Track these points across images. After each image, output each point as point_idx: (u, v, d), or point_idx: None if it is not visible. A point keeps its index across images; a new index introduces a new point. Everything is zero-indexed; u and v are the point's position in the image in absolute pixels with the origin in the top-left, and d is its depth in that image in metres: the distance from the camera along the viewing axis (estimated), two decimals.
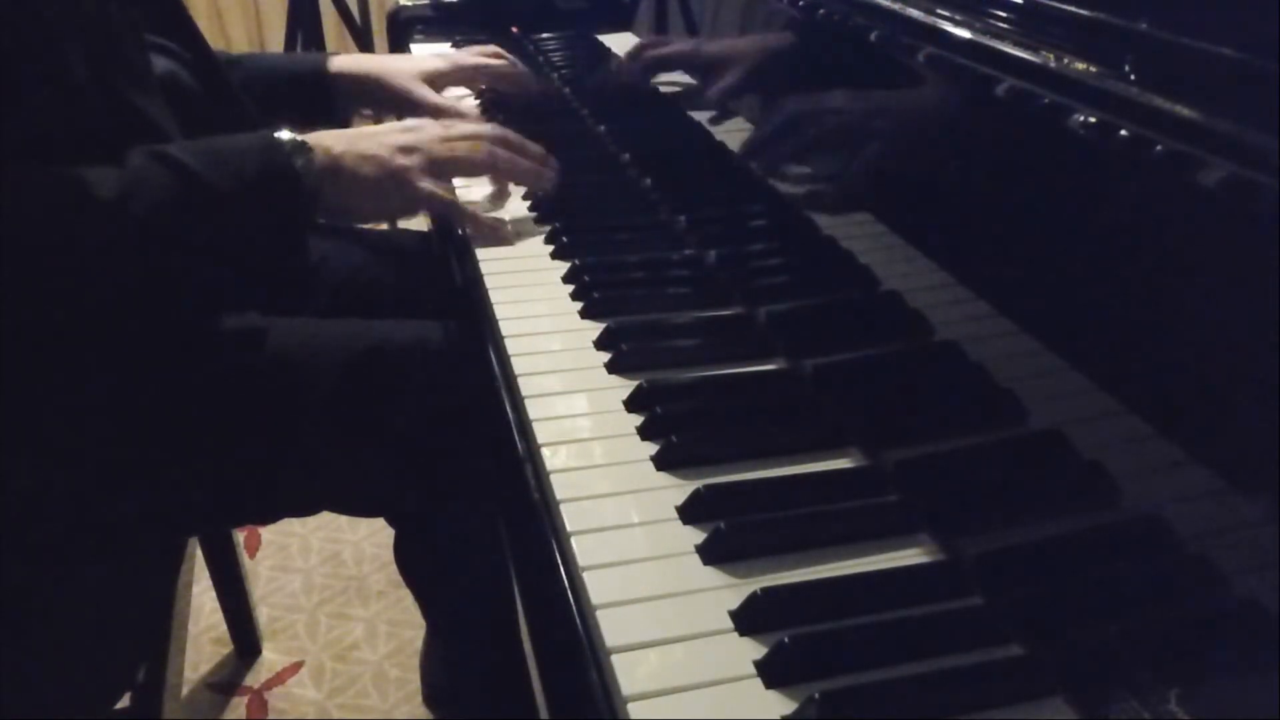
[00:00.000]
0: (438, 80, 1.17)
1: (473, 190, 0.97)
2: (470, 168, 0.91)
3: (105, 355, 0.79)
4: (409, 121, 0.92)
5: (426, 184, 0.85)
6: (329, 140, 0.82)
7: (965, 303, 0.62)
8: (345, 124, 1.18)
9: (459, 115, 1.09)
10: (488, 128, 0.93)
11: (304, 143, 0.78)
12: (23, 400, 0.74)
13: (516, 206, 0.96)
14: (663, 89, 1.19)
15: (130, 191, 0.69)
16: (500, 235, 0.89)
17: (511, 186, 0.97)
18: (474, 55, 1.24)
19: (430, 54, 1.23)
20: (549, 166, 0.94)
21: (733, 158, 0.97)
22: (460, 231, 0.90)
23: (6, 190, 0.66)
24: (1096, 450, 0.51)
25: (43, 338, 0.73)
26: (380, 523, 1.69)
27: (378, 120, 1.21)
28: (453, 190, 0.91)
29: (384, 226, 2.45)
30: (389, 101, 1.14)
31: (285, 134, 0.79)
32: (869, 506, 0.57)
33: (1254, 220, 0.41)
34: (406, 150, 0.85)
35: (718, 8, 1.10)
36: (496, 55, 1.25)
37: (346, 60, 1.15)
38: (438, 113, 1.10)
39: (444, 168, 0.88)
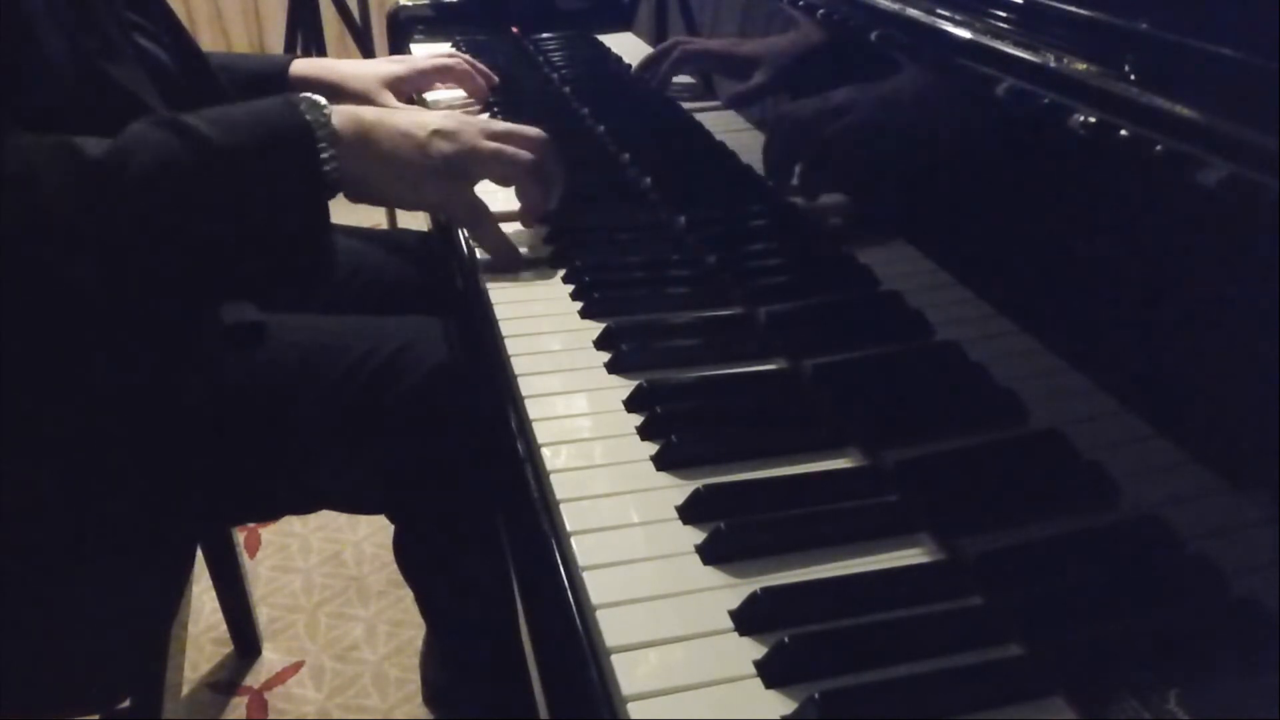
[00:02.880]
0: (396, 86, 1.16)
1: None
2: (510, 170, 0.82)
3: (107, 351, 0.78)
4: (449, 113, 0.84)
5: (459, 182, 0.80)
6: (363, 110, 0.77)
7: (965, 303, 0.62)
8: None
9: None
10: (534, 131, 0.85)
11: (319, 102, 0.74)
12: (23, 400, 0.74)
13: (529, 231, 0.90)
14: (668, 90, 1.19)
15: (126, 152, 0.66)
16: (515, 263, 0.84)
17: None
18: (431, 60, 1.23)
19: (387, 59, 1.23)
20: (558, 192, 0.88)
21: (734, 158, 0.97)
22: (472, 246, 0.85)
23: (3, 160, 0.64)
24: (1096, 450, 0.51)
25: (43, 324, 0.71)
26: (380, 523, 1.69)
27: None
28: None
29: (384, 225, 2.45)
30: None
31: (306, 95, 0.74)
32: (869, 506, 0.57)
33: (1254, 220, 0.41)
34: (446, 135, 0.78)
35: (717, 8, 1.10)
36: (451, 57, 1.24)
37: (307, 64, 1.15)
38: None
39: (482, 165, 0.81)
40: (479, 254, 0.86)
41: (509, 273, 0.83)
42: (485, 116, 1.18)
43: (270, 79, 1.12)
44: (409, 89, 1.18)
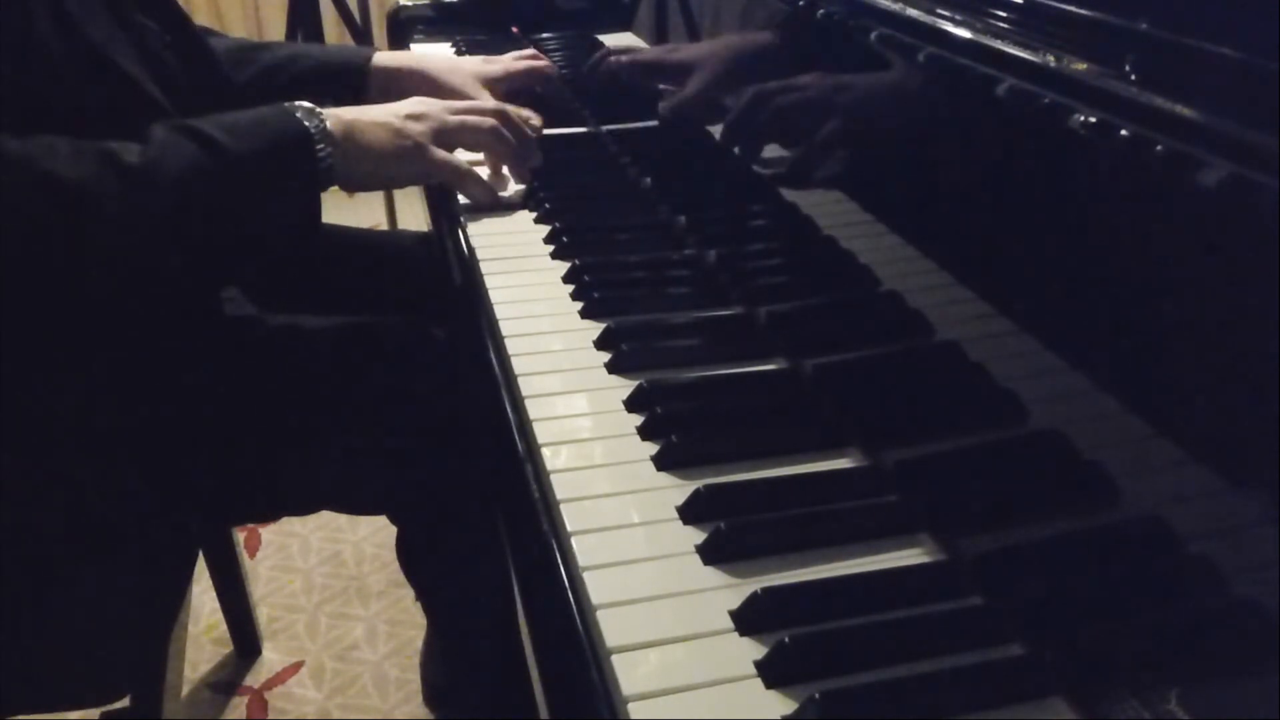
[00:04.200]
0: (491, 86, 1.13)
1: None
2: (476, 135, 0.93)
3: (111, 349, 0.79)
4: (416, 99, 0.94)
5: (436, 150, 0.88)
6: (342, 111, 0.85)
7: (965, 303, 0.62)
8: None
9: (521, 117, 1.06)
10: (490, 102, 0.97)
11: (315, 110, 0.81)
12: (24, 400, 0.74)
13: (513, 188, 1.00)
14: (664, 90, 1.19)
15: (159, 158, 0.71)
16: (505, 202, 0.95)
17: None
18: (521, 62, 1.20)
19: (480, 59, 1.20)
20: (535, 151, 0.99)
21: (733, 158, 0.97)
22: (457, 232, 0.91)
23: (33, 161, 0.66)
24: (1096, 450, 0.51)
25: (53, 324, 0.73)
26: (380, 522, 1.69)
27: None
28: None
29: (384, 226, 2.46)
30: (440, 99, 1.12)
31: (299, 103, 0.81)
32: (869, 506, 0.57)
33: (1254, 220, 0.41)
34: (416, 118, 0.88)
35: (718, 8, 1.10)
36: (534, 58, 1.22)
37: (393, 57, 1.14)
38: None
39: (451, 136, 0.91)
40: (480, 253, 0.86)
41: (493, 209, 0.95)
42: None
43: (346, 69, 1.11)
44: (499, 89, 1.15)
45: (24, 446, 0.76)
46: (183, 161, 0.71)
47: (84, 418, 0.79)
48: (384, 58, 1.13)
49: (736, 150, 0.94)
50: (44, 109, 0.71)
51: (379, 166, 0.86)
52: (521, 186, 0.99)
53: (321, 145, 0.79)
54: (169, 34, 0.88)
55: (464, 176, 0.93)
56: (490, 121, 0.93)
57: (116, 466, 0.80)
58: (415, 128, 0.87)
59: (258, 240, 0.78)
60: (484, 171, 0.98)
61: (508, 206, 0.96)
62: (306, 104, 0.81)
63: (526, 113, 1.01)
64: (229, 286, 0.91)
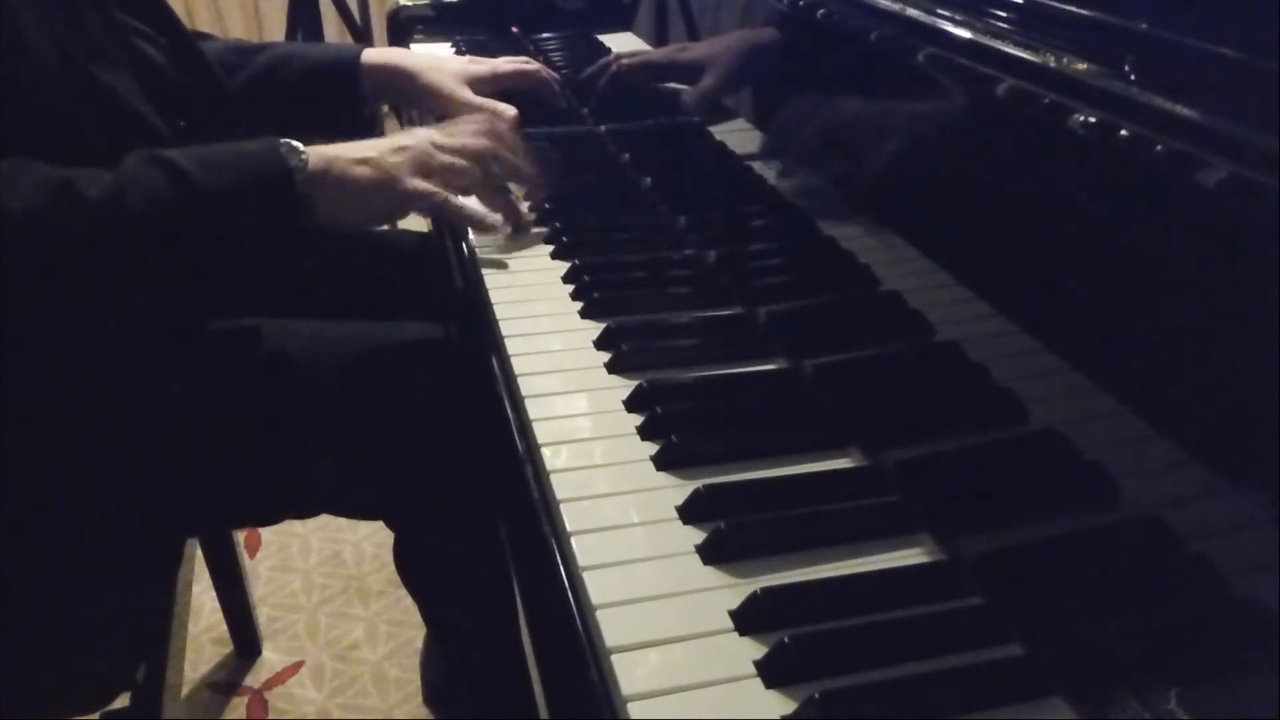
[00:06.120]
0: (474, 84, 1.12)
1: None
2: (455, 178, 0.86)
3: (104, 357, 0.79)
4: (403, 132, 0.89)
5: (416, 182, 0.83)
6: (324, 148, 0.82)
7: (965, 303, 0.62)
8: (371, 116, 1.17)
9: (495, 115, 1.04)
10: (484, 141, 0.90)
11: (298, 147, 0.79)
12: (23, 402, 0.74)
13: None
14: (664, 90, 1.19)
15: (122, 191, 0.70)
16: (494, 224, 0.89)
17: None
18: (509, 63, 1.19)
19: (466, 59, 1.21)
20: (535, 186, 0.94)
21: (733, 158, 0.98)
22: (456, 232, 0.90)
23: None
24: (1096, 450, 0.51)
25: (40, 338, 0.73)
26: (380, 522, 1.69)
27: (400, 114, 1.16)
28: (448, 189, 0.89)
29: (385, 227, 2.45)
30: (417, 96, 1.11)
31: (284, 139, 0.79)
32: (869, 506, 0.57)
33: (1254, 220, 0.41)
34: (398, 151, 0.84)
35: (718, 9, 1.10)
36: (525, 63, 1.20)
37: (380, 53, 1.13)
38: (472, 112, 1.06)
39: (432, 173, 0.85)
40: (480, 254, 0.86)
41: (495, 233, 0.89)
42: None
43: (339, 67, 1.09)
44: (486, 90, 1.13)
45: (17, 450, 0.76)
46: (147, 195, 0.71)
47: (78, 423, 0.79)
48: (373, 55, 1.12)
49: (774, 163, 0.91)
50: (26, 119, 0.70)
51: (358, 201, 0.81)
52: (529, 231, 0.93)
53: (303, 186, 0.77)
54: (163, 36, 0.88)
55: (440, 206, 0.86)
56: (465, 166, 0.86)
57: (115, 470, 0.80)
58: (395, 160, 0.82)
59: (241, 270, 0.78)
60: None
61: (510, 230, 0.91)
62: (292, 142, 0.79)
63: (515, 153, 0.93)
64: (228, 299, 0.90)
